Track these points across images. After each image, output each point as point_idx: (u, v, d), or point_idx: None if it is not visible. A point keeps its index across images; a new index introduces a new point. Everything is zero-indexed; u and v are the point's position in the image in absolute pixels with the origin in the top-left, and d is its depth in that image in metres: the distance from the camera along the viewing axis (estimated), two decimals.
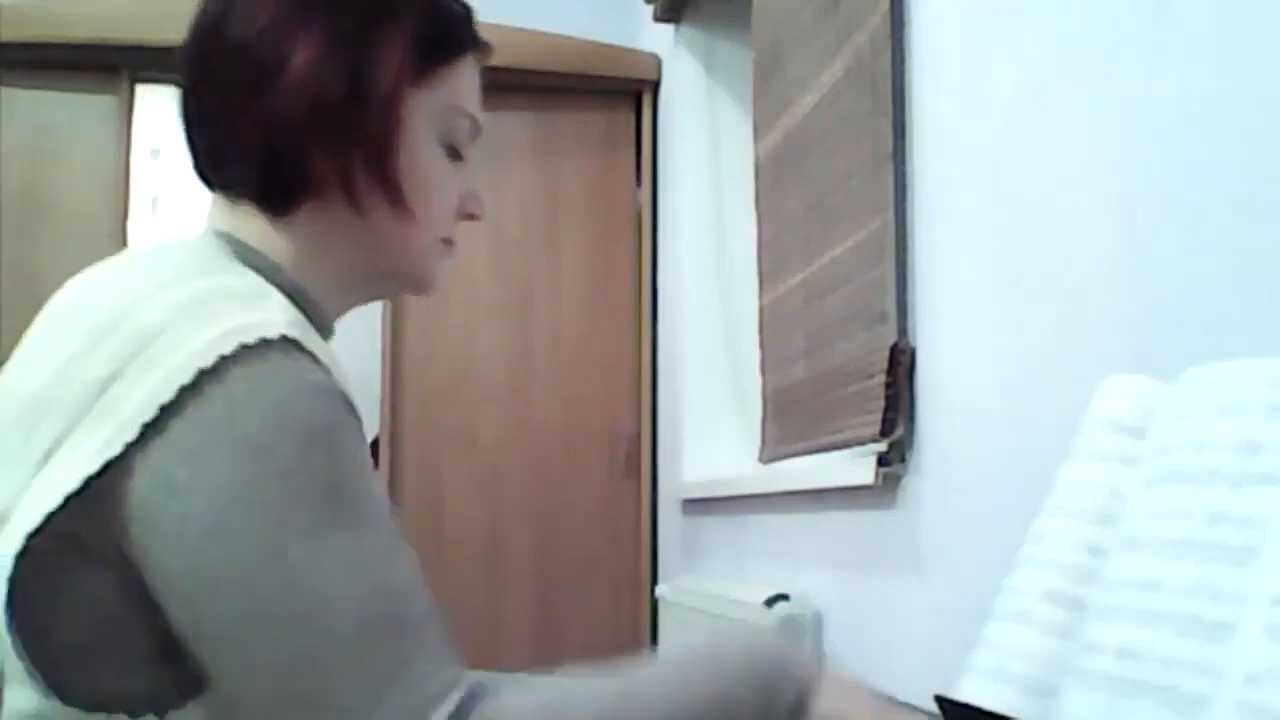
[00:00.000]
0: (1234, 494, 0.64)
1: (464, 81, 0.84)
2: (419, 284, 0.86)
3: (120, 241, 2.64)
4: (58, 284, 0.75)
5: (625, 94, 2.95)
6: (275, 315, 0.68)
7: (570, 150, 2.94)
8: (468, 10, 0.86)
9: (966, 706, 0.75)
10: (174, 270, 0.71)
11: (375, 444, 2.85)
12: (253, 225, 0.79)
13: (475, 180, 0.87)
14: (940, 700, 0.78)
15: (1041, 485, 0.83)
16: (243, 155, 0.77)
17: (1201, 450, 0.68)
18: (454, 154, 0.84)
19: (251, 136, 0.76)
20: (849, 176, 1.58)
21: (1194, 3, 0.94)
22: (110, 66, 2.66)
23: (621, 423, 2.90)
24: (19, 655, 0.65)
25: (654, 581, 2.80)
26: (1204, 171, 0.92)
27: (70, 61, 2.63)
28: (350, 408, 0.69)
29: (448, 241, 0.86)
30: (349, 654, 0.62)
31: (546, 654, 2.74)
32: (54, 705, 0.65)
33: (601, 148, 2.97)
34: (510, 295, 2.88)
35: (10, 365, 0.72)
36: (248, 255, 0.77)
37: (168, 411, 0.63)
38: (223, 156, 0.79)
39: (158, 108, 3.00)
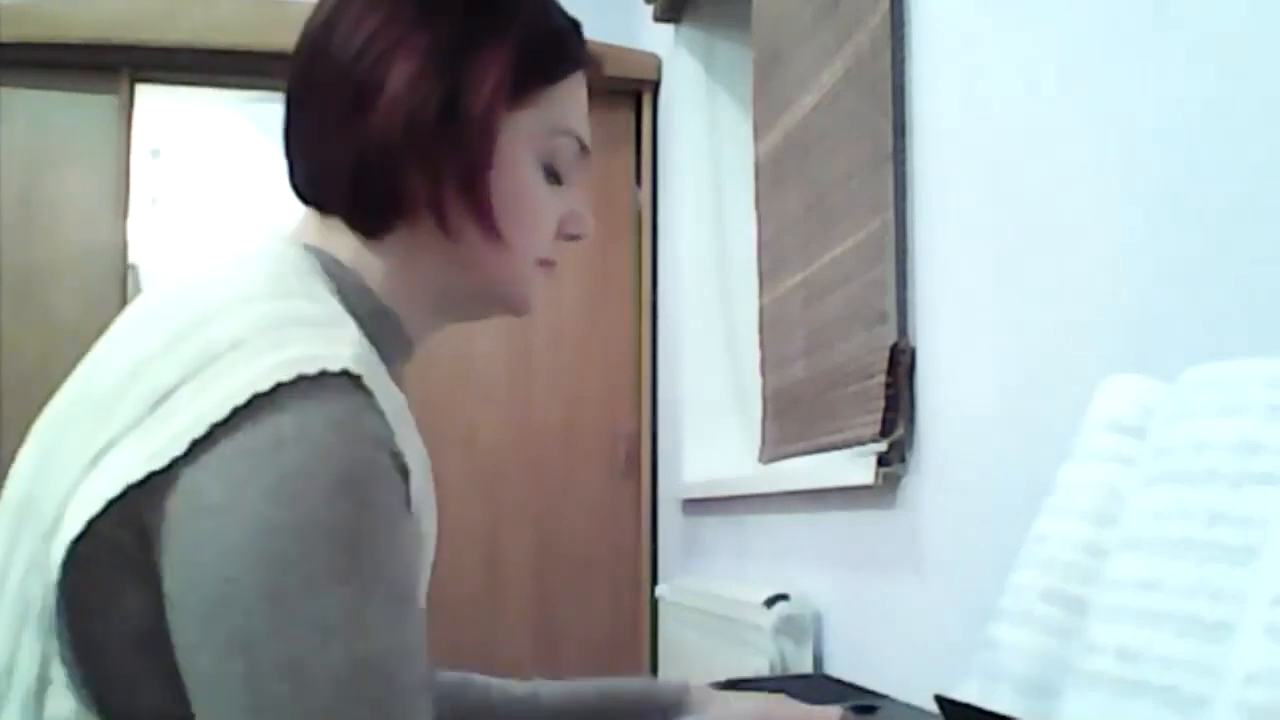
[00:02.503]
0: (1234, 494, 0.64)
1: (569, 101, 0.82)
2: (513, 307, 0.85)
3: (120, 242, 2.64)
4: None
5: (625, 94, 2.95)
6: (342, 349, 0.66)
7: None
8: (575, 26, 0.84)
9: (966, 706, 0.75)
10: (257, 285, 0.70)
11: None
12: (344, 242, 0.79)
13: (578, 200, 0.85)
14: (940, 700, 0.78)
15: (1041, 485, 0.83)
16: (336, 175, 0.77)
17: (1201, 450, 0.68)
18: (554, 176, 0.82)
19: (345, 157, 0.76)
20: (849, 176, 1.58)
21: (1194, 3, 0.94)
22: (110, 66, 2.66)
23: (621, 423, 2.90)
24: (66, 664, 0.65)
25: (654, 581, 2.80)
26: (1204, 171, 0.92)
27: (70, 61, 2.63)
28: (398, 460, 0.67)
29: (546, 263, 0.84)
30: (322, 713, 0.60)
31: (546, 654, 2.74)
32: (94, 715, 0.65)
33: (601, 148, 2.94)
34: None
35: (90, 356, 0.72)
36: (337, 272, 0.77)
37: (218, 430, 0.62)
38: (317, 175, 0.79)
39: (158, 108, 3.01)
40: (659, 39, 2.84)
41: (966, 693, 0.77)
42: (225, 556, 0.61)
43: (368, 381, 0.66)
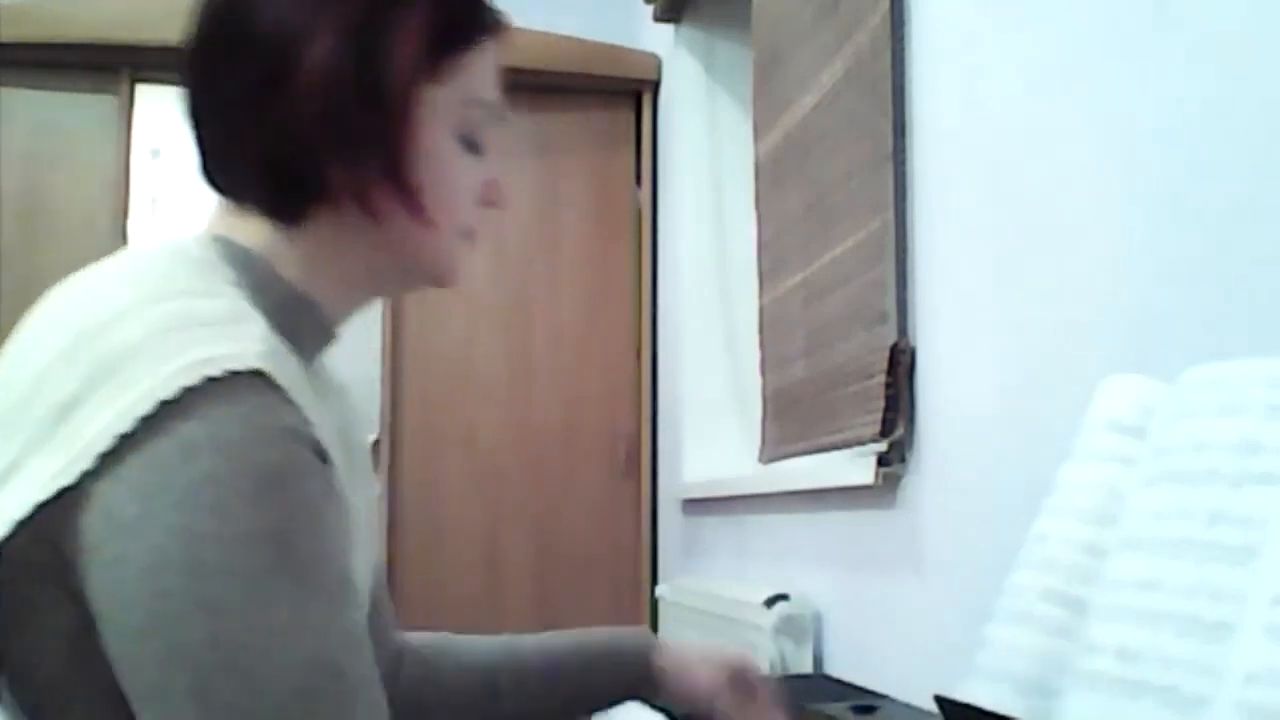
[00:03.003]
0: (1234, 494, 0.64)
1: (481, 69, 0.80)
2: (441, 280, 0.83)
3: (120, 241, 2.64)
4: (58, 284, 0.73)
5: (625, 94, 2.95)
6: (248, 345, 0.64)
7: (570, 150, 2.94)
8: None
9: (966, 706, 0.75)
10: (153, 287, 0.68)
11: (376, 444, 2.85)
12: (257, 230, 0.76)
13: (496, 168, 0.83)
14: (940, 700, 0.78)
15: (1041, 485, 0.83)
16: (250, 164, 0.74)
17: (1201, 450, 0.68)
18: (472, 146, 0.81)
19: (260, 145, 0.73)
20: (849, 176, 1.58)
21: (1194, 3, 0.94)
22: (110, 66, 2.66)
23: (621, 423, 2.89)
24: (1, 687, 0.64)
25: (654, 581, 2.80)
26: (1204, 171, 0.92)
27: (70, 61, 2.63)
28: (317, 450, 0.66)
29: (471, 234, 0.83)
30: (274, 716, 0.59)
31: None
32: None
33: (601, 148, 2.97)
34: (510, 295, 2.88)
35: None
36: (246, 262, 0.74)
37: (126, 442, 0.60)
38: (230, 164, 0.76)
39: (158, 108, 3.00)
40: (659, 39, 2.84)
41: (966, 693, 0.77)
42: (152, 571, 0.59)
43: (277, 377, 0.64)
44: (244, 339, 0.65)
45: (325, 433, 0.69)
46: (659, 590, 2.53)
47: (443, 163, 0.78)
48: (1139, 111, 1.00)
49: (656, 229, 2.95)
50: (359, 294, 0.82)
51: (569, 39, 2.81)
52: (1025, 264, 1.18)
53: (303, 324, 0.76)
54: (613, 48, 2.90)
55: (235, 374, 0.62)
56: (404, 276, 0.82)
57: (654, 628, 2.69)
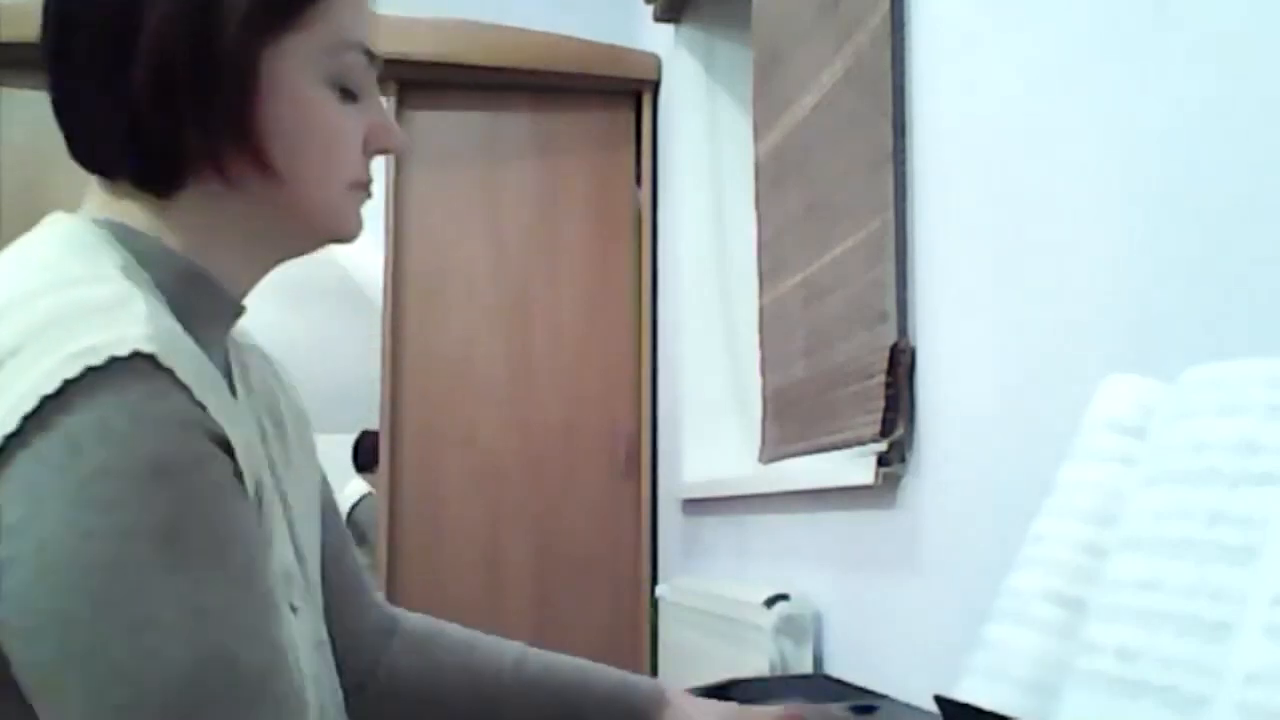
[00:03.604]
0: (1233, 494, 0.64)
1: (345, 13, 0.76)
2: (333, 236, 0.80)
3: None
4: None
5: (625, 94, 2.95)
6: (130, 329, 0.62)
7: (570, 150, 2.94)
8: None
9: (966, 706, 0.75)
10: (32, 280, 0.66)
11: (375, 444, 2.85)
12: (137, 207, 0.74)
13: (379, 112, 0.80)
14: (940, 700, 0.78)
15: (1041, 485, 0.83)
16: (110, 138, 0.73)
17: (1201, 450, 0.68)
18: (348, 94, 0.77)
19: (115, 118, 0.72)
20: (849, 176, 1.58)
21: (1194, 3, 0.94)
22: None
23: (621, 423, 2.90)
24: None
25: (654, 581, 2.80)
26: (1204, 171, 0.92)
27: None
28: (213, 436, 0.64)
29: (359, 185, 0.80)
30: (170, 715, 0.58)
31: None
32: None
33: (601, 148, 2.97)
34: (510, 295, 2.88)
35: None
36: (132, 241, 0.72)
37: (12, 442, 0.59)
38: (93, 141, 0.75)
39: None
40: (659, 39, 2.84)
41: (966, 693, 0.77)
42: (41, 572, 0.58)
43: (164, 359, 0.62)
44: (127, 323, 0.63)
45: (232, 412, 0.67)
46: (659, 590, 2.53)
47: (306, 115, 0.75)
48: (1139, 111, 1.00)
49: (656, 229, 2.95)
50: (254, 262, 0.79)
51: (569, 39, 2.81)
52: (1025, 264, 1.18)
53: (198, 299, 0.74)
54: (613, 48, 2.90)
55: (118, 359, 0.61)
56: (293, 237, 0.79)
57: (654, 628, 2.69)
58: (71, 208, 0.78)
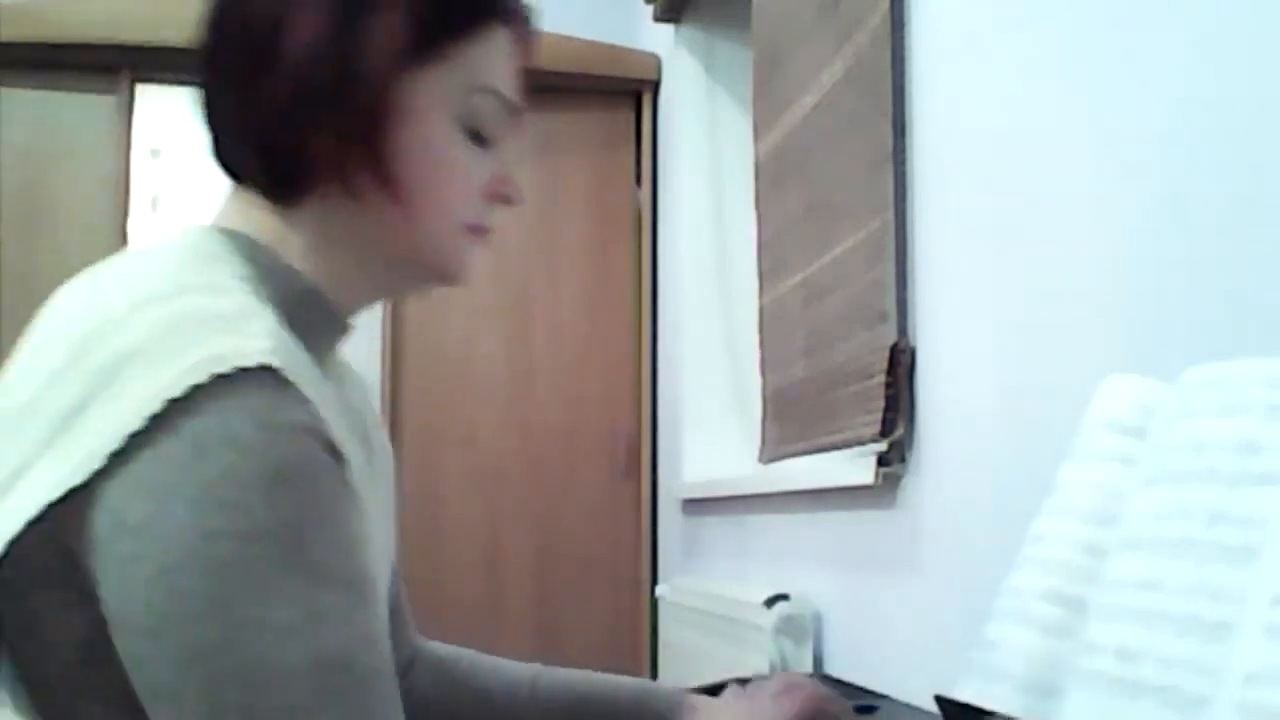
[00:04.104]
0: (1233, 494, 0.64)
1: (488, 57, 0.78)
2: (442, 275, 0.81)
3: (120, 241, 2.64)
4: (58, 284, 0.73)
5: (625, 94, 2.95)
6: (256, 342, 0.64)
7: (570, 150, 2.94)
8: None
9: (966, 706, 0.76)
10: (159, 284, 0.68)
11: None
12: (263, 219, 0.77)
13: (508, 162, 0.81)
14: (940, 700, 0.78)
15: (1041, 485, 0.83)
16: (243, 141, 0.76)
17: (1201, 450, 0.68)
18: (478, 137, 0.79)
19: (251, 123, 0.75)
20: (849, 176, 1.58)
21: (1194, 3, 0.94)
22: (110, 66, 2.66)
23: (621, 423, 2.90)
24: (10, 688, 0.64)
25: (654, 581, 2.80)
26: (1204, 171, 0.92)
27: (70, 61, 2.63)
28: (330, 447, 0.65)
29: (476, 229, 0.81)
30: (289, 717, 0.59)
31: (546, 654, 2.72)
32: None
33: (601, 148, 2.97)
34: (510, 295, 2.88)
35: (5, 368, 0.70)
36: (255, 254, 0.75)
37: (136, 441, 0.60)
38: (229, 144, 0.78)
39: (158, 108, 3.00)
40: (659, 39, 2.84)
41: (966, 693, 0.77)
42: (165, 570, 0.59)
43: (287, 372, 0.64)
44: (251, 335, 0.64)
45: (339, 429, 0.68)
46: (659, 590, 2.53)
47: (431, 146, 0.76)
48: (1139, 111, 1.00)
49: (656, 229, 2.95)
50: (363, 286, 0.80)
51: (569, 39, 2.81)
52: (1025, 264, 1.18)
53: (312, 315, 0.76)
54: (613, 48, 2.90)
55: (244, 370, 0.62)
56: (400, 269, 0.80)
57: (654, 628, 2.69)
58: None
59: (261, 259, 0.75)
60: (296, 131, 0.73)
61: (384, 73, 0.74)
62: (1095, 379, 0.84)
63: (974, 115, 1.29)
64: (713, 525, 2.39)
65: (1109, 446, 0.79)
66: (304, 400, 0.64)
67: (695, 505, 2.52)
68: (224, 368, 0.62)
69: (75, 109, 2.67)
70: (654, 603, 2.65)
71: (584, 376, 2.89)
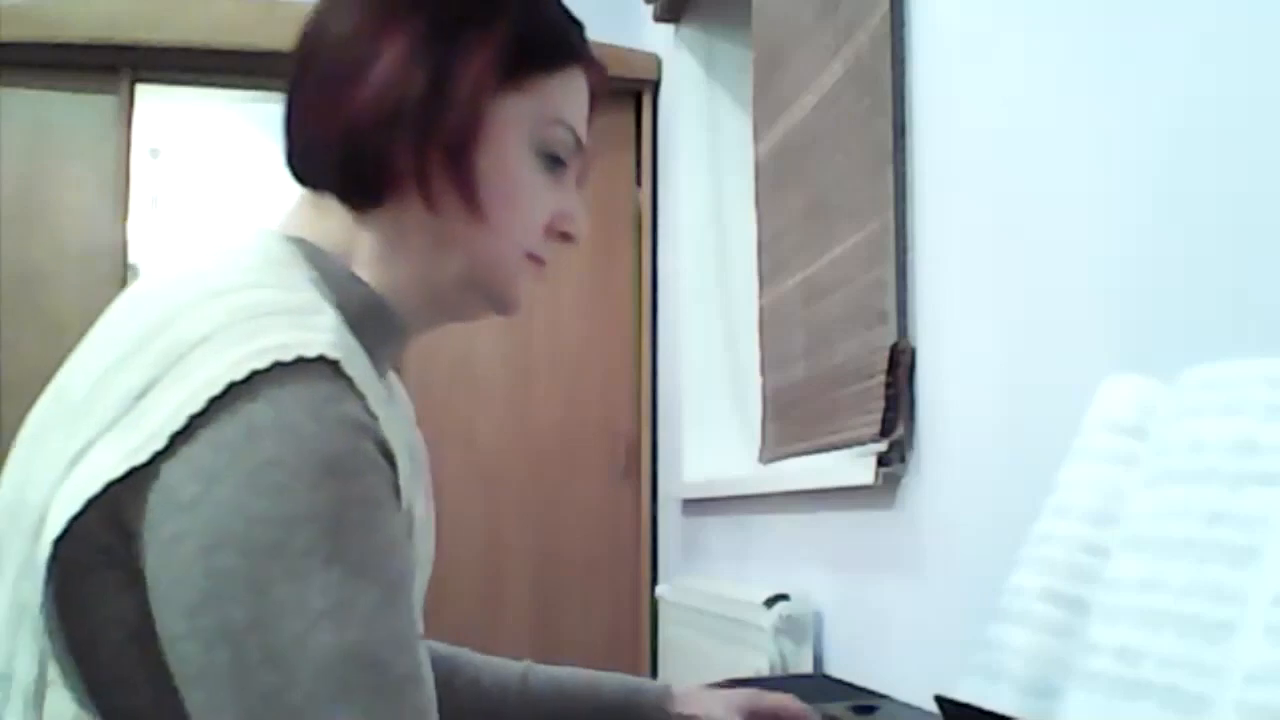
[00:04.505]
0: (1233, 494, 0.64)
1: (564, 93, 0.83)
2: (498, 298, 0.83)
3: (120, 241, 2.64)
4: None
5: (625, 94, 2.95)
6: (319, 335, 0.65)
7: None
8: (576, 25, 0.85)
9: (966, 706, 0.76)
10: (228, 278, 0.70)
11: None
12: (331, 228, 0.79)
13: (573, 200, 0.85)
14: (940, 700, 0.79)
15: (1041, 485, 0.83)
16: (326, 146, 0.78)
17: (1201, 450, 0.68)
18: (549, 164, 0.82)
19: (336, 128, 0.77)
20: (849, 176, 1.58)
21: (1194, 3, 0.94)
22: (110, 66, 2.66)
23: (621, 423, 2.90)
24: (61, 664, 0.65)
25: (654, 581, 2.80)
26: (1204, 171, 0.92)
27: (70, 61, 2.63)
28: (381, 447, 0.66)
29: (535, 259, 0.83)
30: (310, 703, 0.60)
31: (546, 654, 2.72)
32: (93, 713, 0.65)
33: (601, 148, 2.95)
34: None
35: (67, 364, 0.72)
36: (321, 261, 0.77)
37: (196, 423, 0.62)
38: (310, 148, 0.80)
39: (158, 108, 3.00)
40: (659, 39, 2.84)
41: (966, 693, 0.77)
42: (207, 550, 0.61)
43: (346, 367, 0.65)
44: (316, 329, 0.66)
45: (396, 436, 0.69)
46: (659, 590, 2.53)
47: (509, 167, 0.80)
48: (1139, 112, 1.00)
49: (656, 229, 2.95)
50: (418, 303, 0.82)
51: None
52: (1025, 264, 1.18)
53: (373, 324, 0.78)
54: (613, 48, 2.89)
55: (304, 361, 0.63)
56: (462, 287, 0.82)
57: (654, 628, 2.69)
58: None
59: (327, 265, 0.77)
60: (383, 138, 0.76)
61: (475, 90, 0.77)
62: (1095, 379, 0.84)
63: (974, 115, 1.29)
64: (713, 525, 2.39)
65: (1109, 446, 0.79)
66: (360, 396, 0.66)
67: (695, 505, 2.52)
68: (286, 356, 0.63)
69: (75, 109, 2.66)
70: (654, 603, 2.65)
71: (584, 376, 2.89)
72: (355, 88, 0.76)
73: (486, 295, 0.83)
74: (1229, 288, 0.89)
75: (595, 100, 0.87)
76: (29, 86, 2.64)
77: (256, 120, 4.13)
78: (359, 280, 0.78)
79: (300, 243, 0.77)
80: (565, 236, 0.85)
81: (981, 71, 1.28)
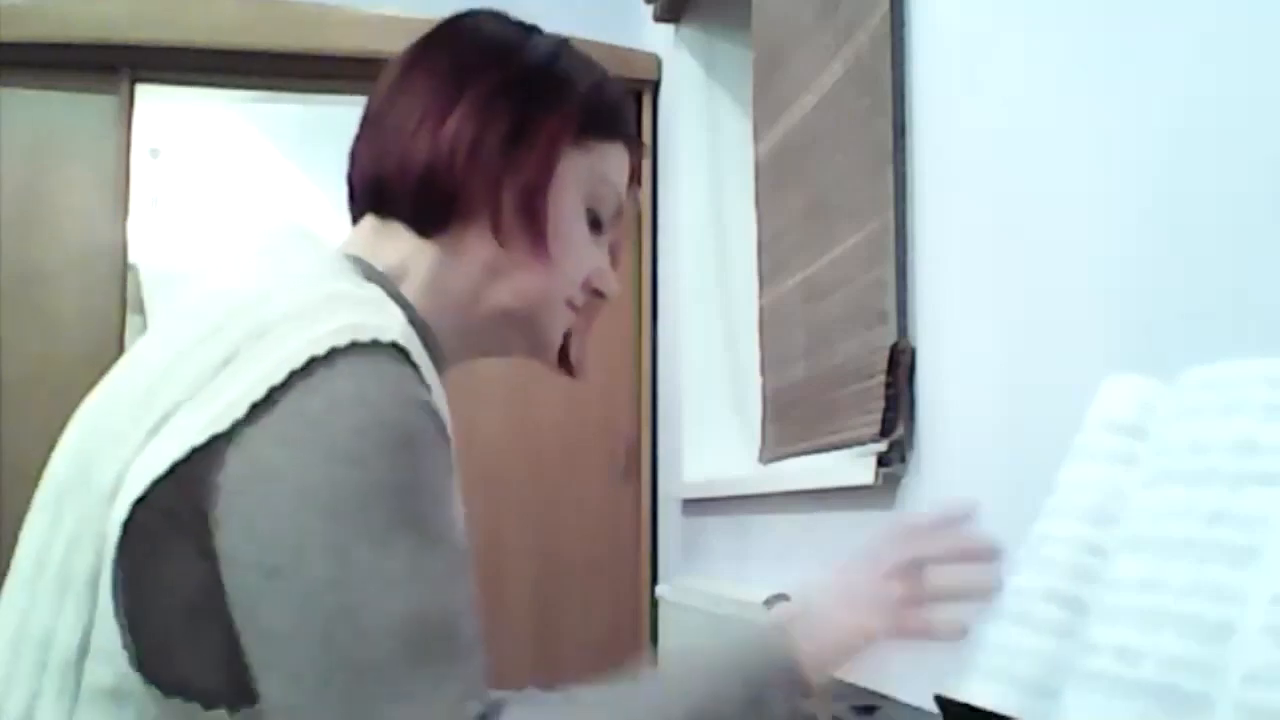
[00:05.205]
0: (1234, 494, 0.64)
1: (616, 160, 0.89)
2: (537, 340, 0.88)
3: (120, 241, 2.64)
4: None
5: (625, 94, 2.95)
6: (393, 322, 0.70)
7: None
8: (630, 111, 0.93)
9: (966, 706, 0.76)
10: (308, 268, 0.75)
11: None
12: (389, 252, 0.83)
13: (609, 260, 0.90)
14: (940, 700, 0.79)
15: (1041, 485, 0.83)
16: (406, 173, 0.82)
17: (1201, 450, 0.68)
18: (595, 223, 0.88)
19: (419, 158, 0.81)
20: (849, 176, 1.58)
21: (1194, 3, 0.94)
22: (110, 66, 2.66)
23: (621, 423, 2.89)
24: (120, 625, 0.67)
25: (654, 582, 2.80)
26: (1204, 171, 0.92)
27: (70, 61, 2.63)
28: (442, 429, 0.71)
29: (572, 307, 0.88)
30: (385, 662, 0.63)
31: (546, 654, 2.74)
32: (135, 682, 0.67)
33: None
34: None
35: (137, 346, 0.75)
36: (374, 277, 0.80)
37: (275, 394, 0.65)
38: (388, 175, 0.83)
39: (158, 108, 3.00)
40: (659, 39, 2.84)
41: (966, 693, 0.77)
42: (290, 515, 0.64)
43: (414, 356, 0.70)
44: (389, 318, 0.71)
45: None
46: (659, 590, 2.53)
47: (569, 215, 0.86)
48: (1139, 111, 1.00)
49: (656, 229, 2.95)
50: (459, 333, 0.87)
51: (568, 38, 2.80)
52: (1025, 264, 1.18)
53: (420, 344, 0.81)
54: (613, 48, 2.89)
55: (379, 343, 0.68)
56: (500, 324, 0.87)
57: (654, 628, 2.69)
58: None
59: (381, 282, 0.80)
60: (463, 171, 0.81)
61: (552, 139, 0.84)
62: (1095, 379, 0.84)
63: (974, 115, 1.29)
64: (713, 525, 2.39)
65: (1109, 446, 0.79)
66: (425, 383, 0.71)
67: (695, 505, 2.52)
68: (363, 336, 0.67)
69: (75, 109, 2.66)
70: (654, 603, 2.65)
71: (584, 376, 2.89)
72: (441, 124, 0.81)
73: (527, 332, 0.88)
74: (1229, 288, 0.89)
75: (637, 174, 0.93)
76: (29, 86, 2.64)
77: (256, 120, 4.12)
78: (406, 302, 0.82)
79: (357, 260, 0.82)
80: (598, 294, 0.90)
81: (981, 71, 1.28)
